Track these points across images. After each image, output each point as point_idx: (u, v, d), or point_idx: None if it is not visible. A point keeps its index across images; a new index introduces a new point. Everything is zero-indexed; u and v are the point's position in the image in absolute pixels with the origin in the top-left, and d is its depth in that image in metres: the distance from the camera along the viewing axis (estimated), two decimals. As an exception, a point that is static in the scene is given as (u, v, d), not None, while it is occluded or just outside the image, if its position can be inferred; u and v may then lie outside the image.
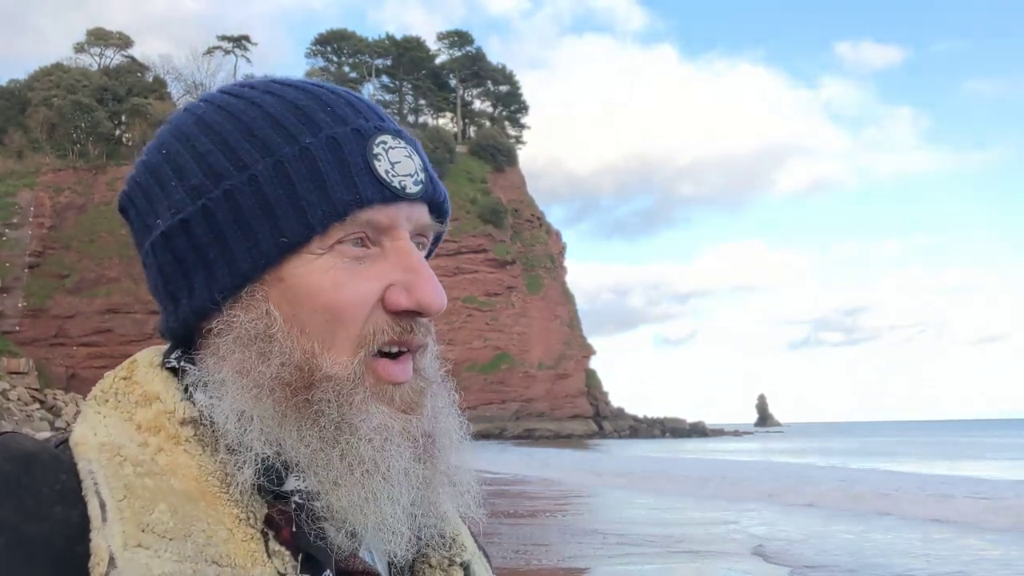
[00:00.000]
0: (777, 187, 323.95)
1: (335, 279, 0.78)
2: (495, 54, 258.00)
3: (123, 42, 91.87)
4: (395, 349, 0.80)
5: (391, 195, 0.80)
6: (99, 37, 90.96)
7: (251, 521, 0.74)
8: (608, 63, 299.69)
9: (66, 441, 0.77)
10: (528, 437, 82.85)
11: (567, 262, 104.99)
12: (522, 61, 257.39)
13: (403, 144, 0.84)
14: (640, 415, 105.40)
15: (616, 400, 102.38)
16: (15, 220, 71.44)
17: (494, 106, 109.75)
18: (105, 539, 0.68)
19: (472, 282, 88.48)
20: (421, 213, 0.83)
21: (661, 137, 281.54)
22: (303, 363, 0.77)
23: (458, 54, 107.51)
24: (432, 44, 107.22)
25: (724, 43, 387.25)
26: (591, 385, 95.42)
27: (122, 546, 0.68)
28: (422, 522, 0.81)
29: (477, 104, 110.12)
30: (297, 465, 0.76)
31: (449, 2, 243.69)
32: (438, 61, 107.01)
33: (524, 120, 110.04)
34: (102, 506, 0.70)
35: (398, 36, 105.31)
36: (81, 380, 63.18)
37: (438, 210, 0.86)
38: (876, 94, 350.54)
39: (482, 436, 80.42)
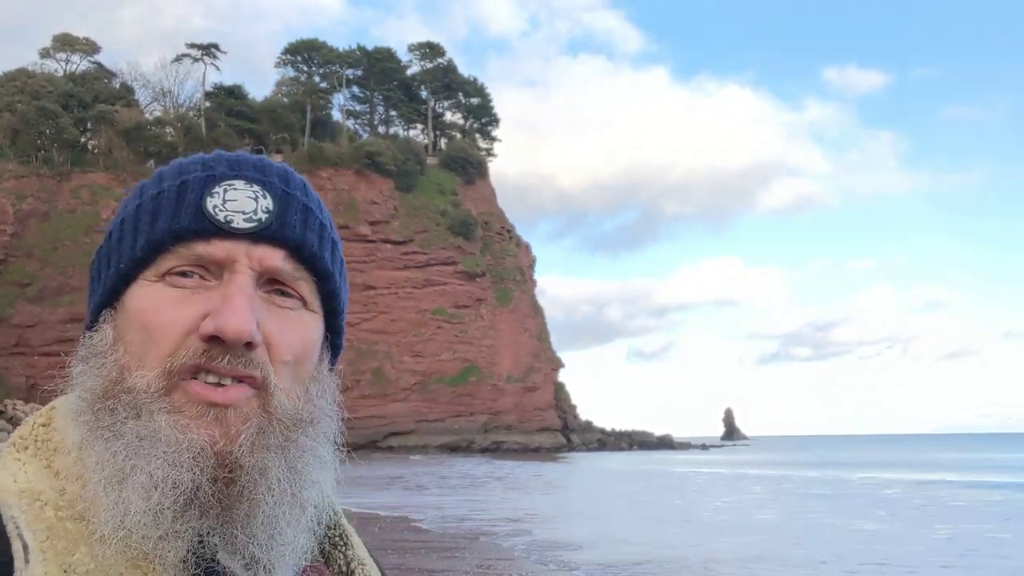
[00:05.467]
0: (760, 205, 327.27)
1: (157, 303, 0.81)
2: (494, 72, 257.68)
3: (90, 48, 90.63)
4: (210, 377, 0.79)
5: (212, 227, 0.82)
6: (65, 43, 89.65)
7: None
8: (603, 83, 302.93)
9: None
10: (496, 450, 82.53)
11: (544, 275, 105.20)
12: (519, 79, 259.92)
13: (256, 189, 0.85)
14: (608, 428, 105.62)
15: (586, 413, 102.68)
16: (-24, 227, 70.16)
17: (465, 118, 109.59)
18: None
19: (441, 294, 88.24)
20: (267, 254, 0.83)
21: (650, 156, 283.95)
22: (117, 378, 0.80)
23: (429, 66, 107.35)
24: (403, 55, 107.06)
25: (715, 66, 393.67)
26: (559, 398, 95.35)
27: None
28: (228, 558, 0.79)
29: (448, 116, 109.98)
30: None
31: (451, 22, 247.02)
32: (409, 72, 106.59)
33: (495, 133, 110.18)
34: (25, 548, 0.72)
35: (371, 48, 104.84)
36: (42, 390, 61.72)
37: (302, 258, 0.86)
38: (858, 117, 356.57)
39: (449, 448, 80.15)
